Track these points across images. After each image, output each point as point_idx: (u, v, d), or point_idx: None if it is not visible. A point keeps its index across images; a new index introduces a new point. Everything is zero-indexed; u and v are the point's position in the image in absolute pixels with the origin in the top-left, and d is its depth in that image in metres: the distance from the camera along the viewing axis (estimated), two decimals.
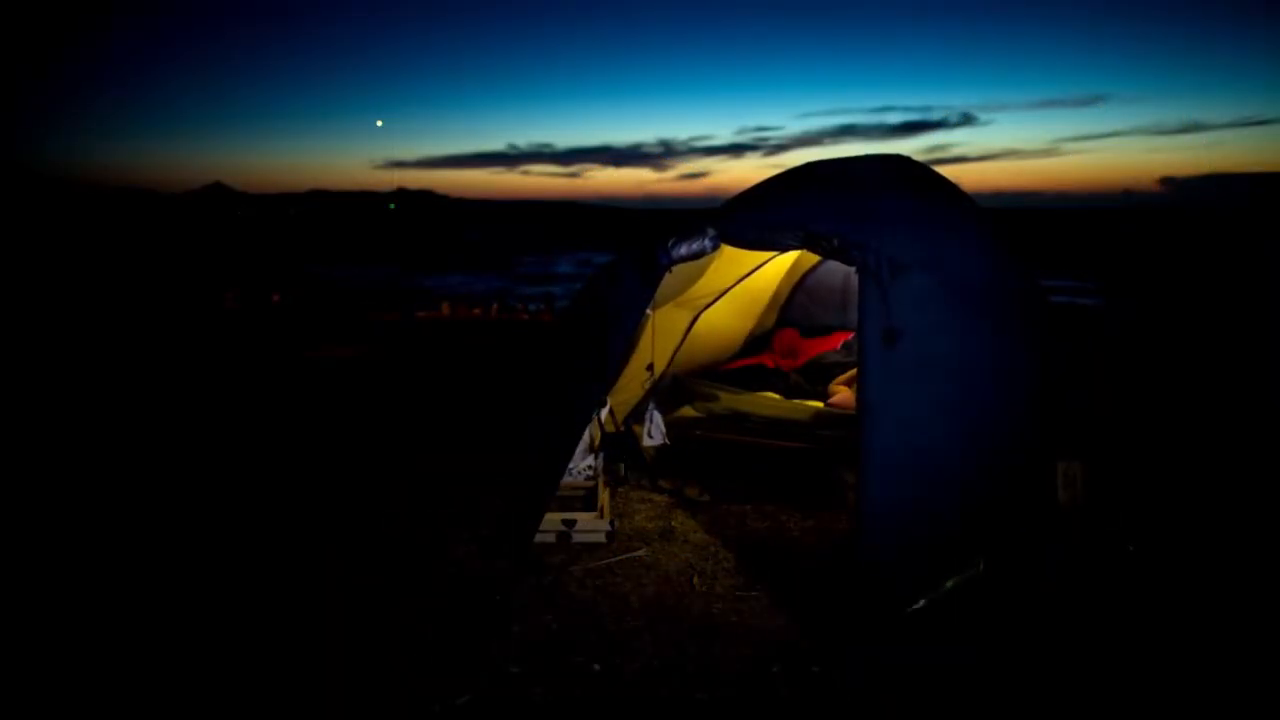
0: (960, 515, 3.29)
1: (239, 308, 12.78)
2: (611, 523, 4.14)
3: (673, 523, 4.35)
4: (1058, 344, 4.03)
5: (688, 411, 5.25)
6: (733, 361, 6.25)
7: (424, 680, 2.91)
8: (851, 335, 6.02)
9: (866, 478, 3.08)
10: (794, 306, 6.66)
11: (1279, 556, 3.86)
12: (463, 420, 6.14)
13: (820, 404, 5.32)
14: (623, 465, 4.94)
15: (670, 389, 5.46)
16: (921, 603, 3.18)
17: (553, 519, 4.06)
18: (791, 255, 6.07)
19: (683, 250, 3.68)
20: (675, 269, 3.84)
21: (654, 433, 4.78)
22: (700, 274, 5.07)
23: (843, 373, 5.70)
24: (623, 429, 5.20)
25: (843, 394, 5.35)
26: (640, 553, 3.98)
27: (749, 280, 5.89)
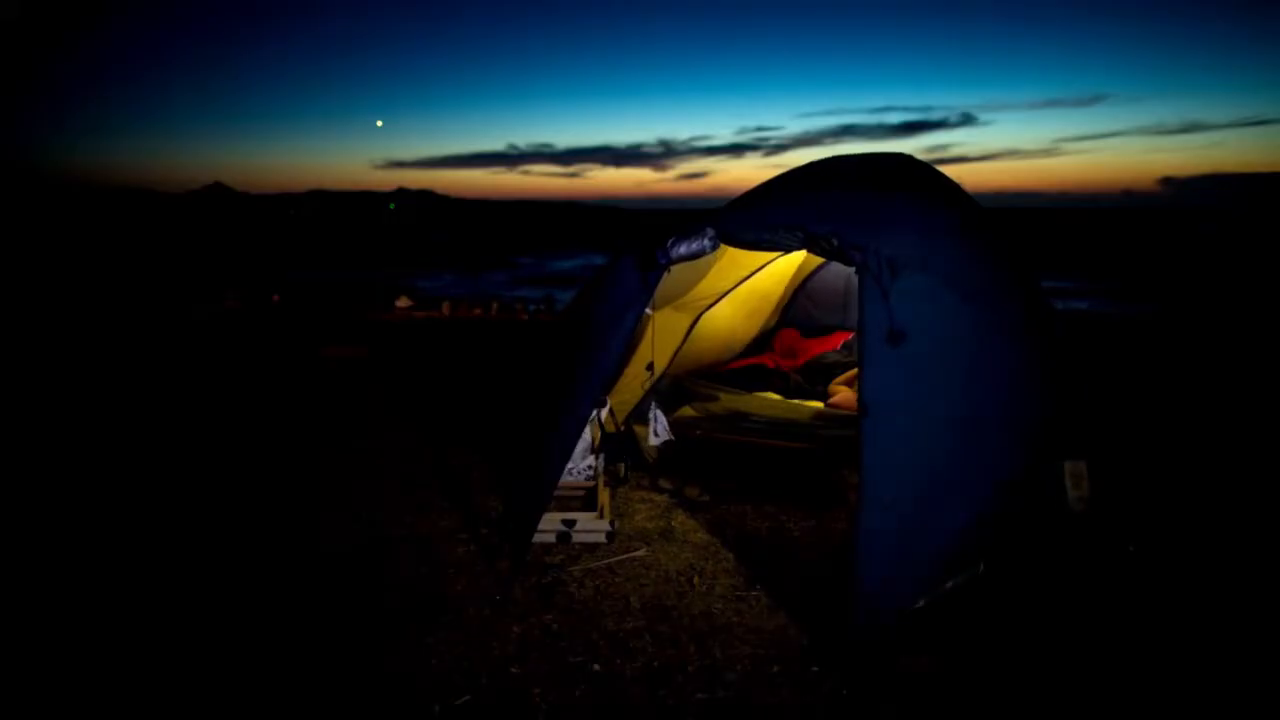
0: (961, 515, 3.29)
1: (240, 307, 12.81)
2: (611, 523, 4.14)
3: (673, 523, 4.35)
4: (1058, 344, 4.03)
5: (688, 411, 5.26)
6: (733, 361, 6.25)
7: (424, 680, 2.91)
8: (852, 335, 6.02)
9: (867, 477, 3.08)
10: (794, 307, 6.67)
11: (1279, 556, 3.87)
12: (462, 420, 6.15)
13: (820, 404, 5.32)
14: (623, 465, 4.94)
15: (670, 389, 5.46)
16: (922, 603, 3.18)
17: (553, 519, 4.07)
18: (795, 258, 6.07)
19: (682, 250, 3.68)
20: (676, 270, 3.83)
21: (659, 430, 4.78)
22: (701, 275, 5.07)
23: (843, 373, 5.71)
24: (623, 429, 5.20)
25: (843, 394, 5.35)
26: (640, 553, 3.98)
27: (753, 282, 5.89)
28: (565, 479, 4.48)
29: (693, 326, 5.67)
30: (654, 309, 4.71)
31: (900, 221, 3.58)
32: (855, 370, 5.04)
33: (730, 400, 5.27)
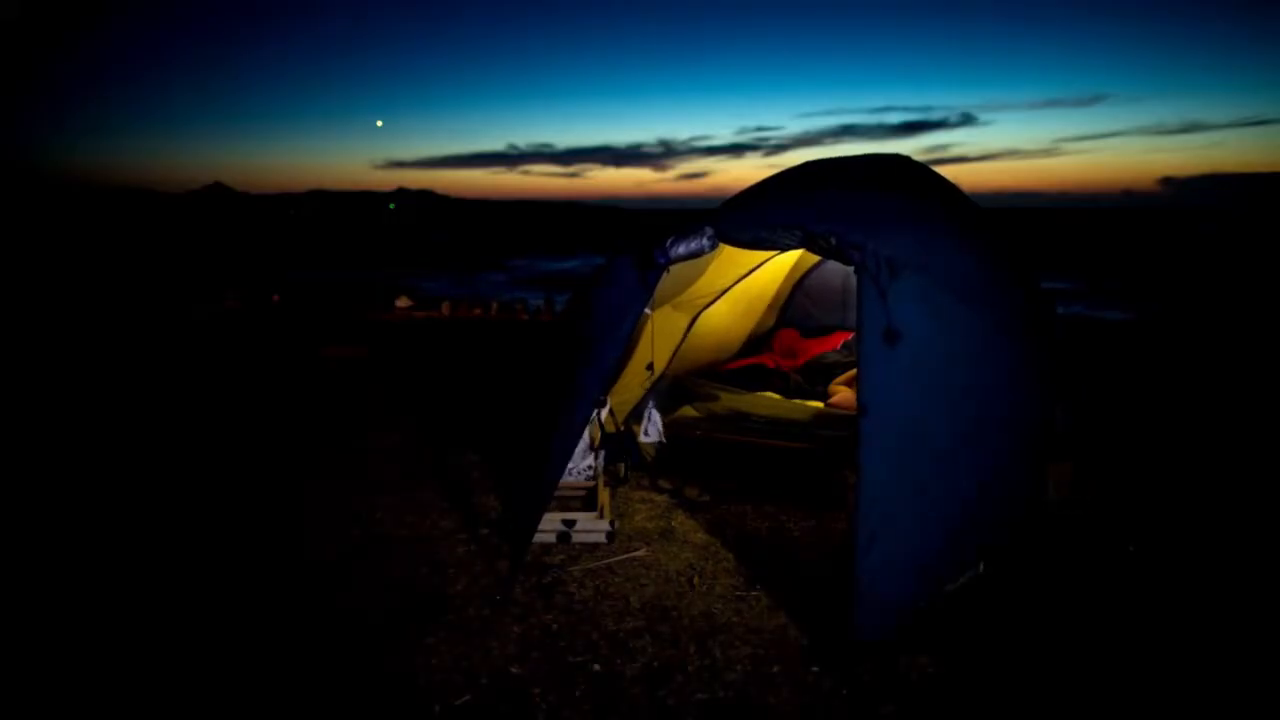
0: (960, 515, 3.30)
1: (240, 307, 12.81)
2: (611, 523, 4.14)
3: (673, 523, 4.36)
4: (1056, 343, 4.03)
5: (688, 411, 5.26)
6: (733, 361, 6.25)
7: (424, 680, 2.91)
8: (851, 335, 6.03)
9: (866, 477, 3.08)
10: (794, 307, 6.67)
11: (1279, 556, 3.87)
12: (462, 420, 6.15)
13: (820, 404, 5.33)
14: (623, 465, 4.94)
15: (670, 389, 5.46)
16: (922, 603, 3.19)
17: (553, 519, 4.07)
18: (792, 256, 6.07)
19: (681, 249, 3.68)
20: (674, 269, 3.84)
21: (650, 430, 4.79)
22: (699, 274, 5.08)
23: (843, 373, 5.71)
24: (623, 429, 5.20)
25: (843, 394, 5.35)
26: (640, 553, 3.98)
27: (749, 280, 5.90)
28: (565, 479, 4.48)
29: (691, 325, 5.68)
30: (653, 308, 4.71)
31: (899, 222, 3.59)
32: (855, 370, 5.04)
33: (731, 400, 5.28)
